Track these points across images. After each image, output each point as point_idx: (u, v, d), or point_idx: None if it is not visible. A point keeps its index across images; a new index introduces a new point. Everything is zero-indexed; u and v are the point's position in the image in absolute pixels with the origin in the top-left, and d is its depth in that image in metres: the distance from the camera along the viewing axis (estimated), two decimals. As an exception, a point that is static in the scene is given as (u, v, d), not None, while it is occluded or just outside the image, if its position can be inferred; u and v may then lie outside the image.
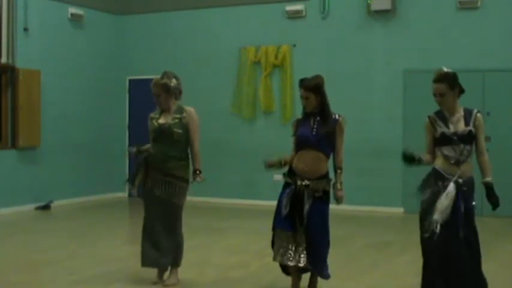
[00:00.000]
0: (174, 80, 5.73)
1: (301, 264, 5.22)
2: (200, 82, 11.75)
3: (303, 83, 5.30)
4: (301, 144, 5.32)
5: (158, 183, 5.67)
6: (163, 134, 5.67)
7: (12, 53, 10.45)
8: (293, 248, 5.23)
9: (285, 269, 5.50)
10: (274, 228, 5.38)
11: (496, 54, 10.11)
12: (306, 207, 5.18)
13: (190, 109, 5.79)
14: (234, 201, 11.60)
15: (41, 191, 10.88)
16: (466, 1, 10.25)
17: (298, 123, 5.41)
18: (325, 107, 5.31)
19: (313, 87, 5.26)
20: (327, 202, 5.33)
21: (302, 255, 5.20)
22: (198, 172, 5.67)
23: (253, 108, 11.69)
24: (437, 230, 4.53)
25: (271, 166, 5.44)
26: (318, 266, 5.28)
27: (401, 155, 4.86)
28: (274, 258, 5.37)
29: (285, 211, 5.24)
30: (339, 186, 5.32)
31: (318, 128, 5.27)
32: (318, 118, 5.30)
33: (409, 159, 4.81)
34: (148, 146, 5.87)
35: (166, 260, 5.76)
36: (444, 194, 4.58)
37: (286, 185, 5.35)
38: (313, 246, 5.19)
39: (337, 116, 5.34)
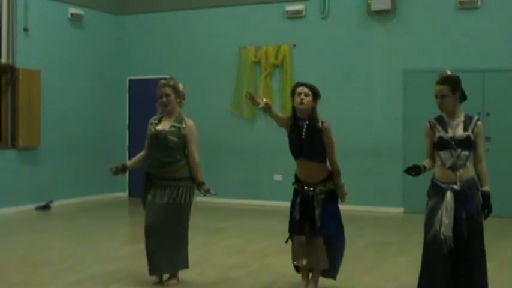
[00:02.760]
0: (180, 85, 5.80)
1: (321, 267, 5.37)
2: (200, 82, 11.75)
3: (305, 82, 5.38)
4: (293, 154, 5.41)
5: (161, 190, 5.67)
6: (159, 141, 5.70)
7: (12, 53, 10.45)
8: (308, 252, 5.34)
9: (298, 268, 5.61)
10: (290, 234, 5.50)
11: (496, 54, 10.11)
12: (317, 211, 5.25)
13: (190, 122, 5.79)
14: (234, 201, 11.60)
15: (41, 191, 10.89)
16: (466, 1, 10.25)
17: (290, 123, 5.42)
18: (315, 116, 5.31)
19: (314, 90, 5.32)
20: (336, 201, 5.43)
21: (317, 258, 5.32)
22: (202, 184, 5.69)
23: (253, 108, 11.67)
24: (451, 244, 4.55)
25: (251, 98, 5.38)
26: (333, 266, 5.42)
27: (405, 170, 4.80)
28: (293, 261, 5.50)
29: (296, 218, 5.36)
30: (340, 188, 5.37)
31: (306, 137, 5.27)
32: (307, 123, 5.30)
33: (415, 170, 4.75)
34: (132, 161, 5.98)
35: (173, 265, 5.77)
36: (444, 207, 4.59)
37: (296, 192, 5.44)
38: (329, 248, 5.32)
39: (321, 123, 5.30)
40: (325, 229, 5.28)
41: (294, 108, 5.38)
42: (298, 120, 5.35)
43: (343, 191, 5.40)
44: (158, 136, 5.70)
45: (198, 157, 5.76)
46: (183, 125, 5.74)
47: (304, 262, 5.36)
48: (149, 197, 5.74)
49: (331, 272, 5.48)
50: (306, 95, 5.29)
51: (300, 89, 5.33)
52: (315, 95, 5.31)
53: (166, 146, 5.66)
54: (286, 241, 5.56)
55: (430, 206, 4.73)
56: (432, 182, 4.78)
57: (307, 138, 5.27)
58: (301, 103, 5.28)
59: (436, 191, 4.70)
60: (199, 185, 5.70)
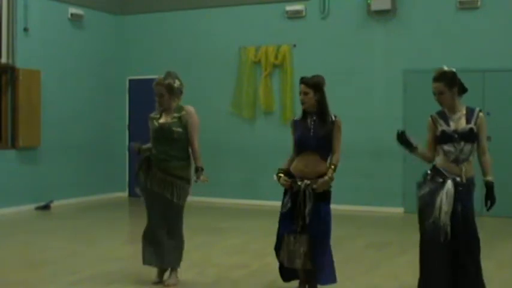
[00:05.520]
0: (177, 81, 5.79)
1: (308, 267, 5.24)
2: (200, 82, 11.74)
3: (305, 79, 5.33)
4: (300, 147, 5.32)
5: (159, 182, 5.68)
6: (163, 134, 5.70)
7: (12, 53, 10.45)
8: (299, 251, 5.22)
9: (284, 274, 5.50)
10: (280, 234, 5.35)
11: (496, 54, 10.11)
12: (308, 207, 5.18)
13: (189, 107, 5.81)
14: (234, 201, 11.60)
15: (41, 191, 10.89)
16: (466, 1, 10.25)
17: (296, 124, 5.41)
18: (323, 108, 5.30)
19: (313, 84, 5.27)
20: (329, 203, 5.32)
21: (306, 257, 5.21)
22: (200, 170, 5.68)
23: (253, 108, 11.69)
24: (449, 234, 4.55)
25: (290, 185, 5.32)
26: (319, 269, 5.23)
27: (397, 133, 4.85)
28: (282, 261, 5.38)
29: (284, 209, 5.27)
30: (327, 179, 5.18)
31: (316, 129, 5.27)
32: (315, 118, 5.30)
33: (405, 140, 4.80)
34: (149, 145, 5.90)
35: (168, 261, 5.77)
36: (444, 194, 4.59)
37: (287, 190, 5.35)
38: (314, 249, 5.18)
39: (333, 117, 5.33)
40: (311, 228, 5.16)
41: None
42: (307, 115, 5.34)
43: (327, 183, 5.19)
44: (163, 128, 5.70)
45: (198, 143, 5.74)
46: (183, 112, 5.75)
47: (296, 265, 5.24)
48: (148, 184, 5.72)
49: (321, 275, 5.21)
50: (305, 93, 5.27)
51: (300, 87, 5.32)
52: (316, 89, 5.27)
53: (172, 137, 5.67)
54: (276, 248, 5.38)
55: (427, 192, 4.67)
56: (434, 167, 4.75)
57: (317, 131, 5.25)
58: (303, 103, 5.31)
59: (438, 177, 4.66)
60: (197, 169, 5.68)
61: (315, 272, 5.24)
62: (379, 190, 10.69)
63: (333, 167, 5.24)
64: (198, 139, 5.77)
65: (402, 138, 4.85)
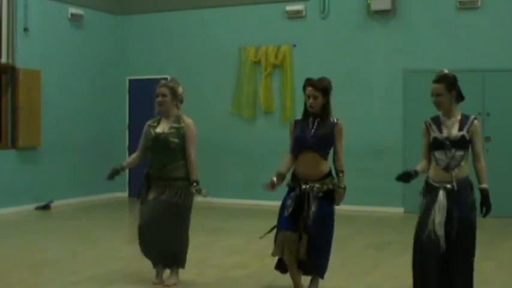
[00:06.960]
0: (180, 88, 5.81)
1: (301, 258, 5.26)
2: (200, 82, 11.75)
3: (313, 82, 5.30)
4: (299, 147, 5.33)
5: (160, 189, 5.67)
6: (160, 143, 5.70)
7: (12, 53, 10.45)
8: (294, 248, 5.24)
9: (280, 266, 5.51)
10: (277, 229, 5.38)
11: (496, 54, 10.11)
12: (312, 209, 5.19)
13: (189, 121, 5.80)
14: (234, 201, 11.60)
15: (41, 191, 10.89)
16: (466, 1, 10.25)
17: (296, 125, 5.42)
18: (327, 110, 5.33)
19: (322, 88, 5.27)
20: (332, 203, 5.35)
21: (303, 255, 5.23)
22: (195, 183, 5.67)
23: (253, 108, 11.69)
24: (444, 245, 4.56)
25: (273, 186, 5.34)
26: (317, 266, 5.32)
27: (396, 178, 4.84)
28: (274, 254, 5.38)
29: (287, 212, 5.26)
30: (341, 190, 5.30)
31: (317, 129, 5.28)
32: (318, 119, 5.31)
33: (406, 177, 4.80)
34: (126, 162, 6.06)
35: (167, 261, 5.76)
36: (436, 207, 4.61)
37: (290, 190, 5.37)
38: (314, 247, 5.21)
39: (335, 120, 5.36)
40: (312, 227, 5.18)
41: (306, 104, 5.37)
42: (309, 116, 5.34)
43: (343, 194, 5.31)
44: (159, 139, 5.70)
45: (194, 155, 5.73)
46: (182, 124, 5.75)
47: (289, 259, 5.28)
48: (149, 197, 5.74)
49: (315, 268, 5.35)
50: (314, 97, 5.26)
51: (308, 91, 5.29)
52: (324, 92, 5.27)
53: (168, 147, 5.66)
54: (262, 236, 5.46)
55: (424, 205, 4.73)
56: (426, 182, 4.79)
57: (318, 131, 5.26)
58: (311, 107, 5.29)
59: (430, 190, 4.71)
60: (192, 183, 5.68)
61: (314, 269, 5.32)
62: (379, 190, 10.69)
63: (341, 174, 5.31)
64: (195, 152, 5.77)
65: (404, 179, 4.82)
